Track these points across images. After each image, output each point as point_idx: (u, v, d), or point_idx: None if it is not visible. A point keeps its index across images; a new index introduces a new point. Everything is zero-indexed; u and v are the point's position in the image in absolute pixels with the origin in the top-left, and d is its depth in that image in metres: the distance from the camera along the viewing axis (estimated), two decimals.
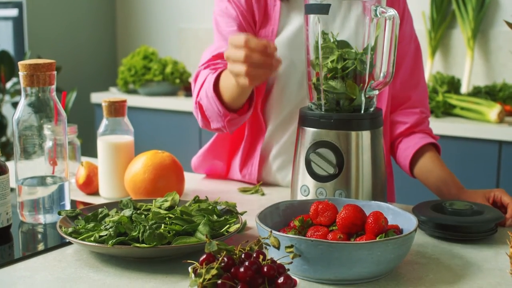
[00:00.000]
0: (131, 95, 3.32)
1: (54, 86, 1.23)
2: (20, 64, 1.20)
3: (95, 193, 1.47)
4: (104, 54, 3.96)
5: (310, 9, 1.24)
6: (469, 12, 2.83)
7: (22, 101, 1.21)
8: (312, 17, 1.24)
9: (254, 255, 0.87)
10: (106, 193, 1.43)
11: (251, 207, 1.34)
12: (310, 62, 1.26)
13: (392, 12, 1.18)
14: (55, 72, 1.23)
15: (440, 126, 2.43)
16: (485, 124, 2.41)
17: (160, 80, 3.23)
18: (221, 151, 1.60)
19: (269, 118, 1.53)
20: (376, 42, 1.24)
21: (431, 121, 2.45)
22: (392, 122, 1.52)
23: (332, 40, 1.24)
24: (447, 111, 2.60)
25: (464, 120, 2.51)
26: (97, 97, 3.39)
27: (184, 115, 3.12)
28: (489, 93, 2.63)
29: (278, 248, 0.89)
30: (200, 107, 1.41)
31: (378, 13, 1.20)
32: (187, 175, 1.62)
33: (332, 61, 1.23)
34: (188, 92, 3.27)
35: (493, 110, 2.44)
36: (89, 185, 1.46)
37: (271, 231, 0.91)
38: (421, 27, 3.00)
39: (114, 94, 3.38)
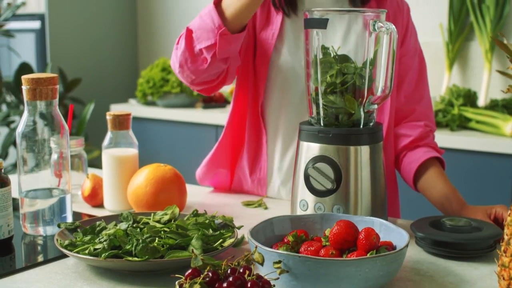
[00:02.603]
0: (149, 106, 3.35)
1: (56, 100, 1.25)
2: (23, 78, 1.22)
3: (101, 205, 1.48)
4: (125, 66, 4.00)
5: (309, 24, 1.24)
6: (487, 24, 2.80)
7: (25, 115, 1.24)
8: (311, 32, 1.25)
9: (241, 270, 0.87)
10: (111, 205, 1.44)
11: (252, 221, 1.34)
12: (310, 76, 1.26)
13: (389, 26, 1.18)
14: (57, 86, 1.25)
15: (455, 139, 2.41)
16: (500, 138, 2.38)
17: (178, 92, 3.26)
18: (224, 159, 1.60)
19: (269, 123, 1.53)
20: (376, 57, 1.24)
21: (446, 134, 2.47)
22: (396, 135, 1.52)
23: (332, 54, 1.25)
24: (462, 124, 2.57)
25: (479, 133, 2.49)
26: (116, 109, 3.43)
27: (201, 127, 3.14)
28: (506, 106, 2.60)
29: (261, 264, 0.89)
30: (188, 33, 1.39)
31: (376, 28, 1.20)
32: (192, 188, 1.63)
33: (331, 76, 1.23)
34: (206, 103, 3.29)
35: (508, 124, 2.41)
36: (94, 197, 1.48)
37: (256, 247, 0.91)
38: (439, 39, 2.98)
39: (133, 106, 3.42)
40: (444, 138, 2.42)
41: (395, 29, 1.18)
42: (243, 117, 1.55)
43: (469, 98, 2.65)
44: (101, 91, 3.80)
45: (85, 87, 3.63)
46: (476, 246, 1.13)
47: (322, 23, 1.21)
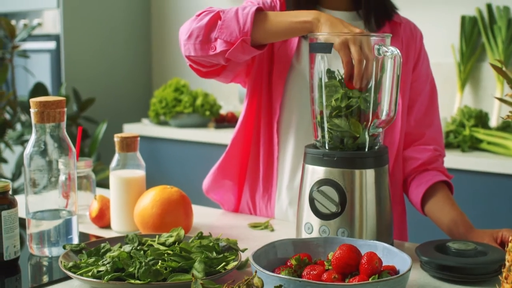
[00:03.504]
0: (162, 126, 3.37)
1: (64, 122, 1.27)
2: (31, 101, 1.24)
3: (108, 226, 1.49)
4: (138, 86, 4.03)
5: (314, 48, 1.25)
6: (499, 45, 2.80)
7: (33, 137, 1.25)
8: (317, 56, 1.26)
9: None
10: (118, 226, 1.45)
11: (257, 243, 1.33)
12: (315, 100, 1.27)
13: (394, 51, 1.19)
14: (65, 109, 1.26)
15: (466, 160, 2.40)
16: (511, 159, 2.36)
17: (191, 112, 3.28)
18: (231, 170, 1.60)
19: (280, 140, 1.53)
20: (381, 81, 1.24)
21: (457, 155, 2.45)
22: (404, 158, 1.51)
23: (338, 78, 1.25)
24: (474, 145, 2.56)
25: (490, 154, 2.47)
26: (129, 128, 3.46)
27: (214, 147, 3.15)
28: None
29: None
30: (216, 16, 1.36)
31: (381, 52, 1.21)
32: (201, 209, 1.64)
33: (336, 100, 1.24)
34: (218, 123, 3.30)
35: None
36: (102, 218, 1.49)
37: (255, 271, 0.91)
38: (451, 60, 2.98)
39: (145, 126, 3.44)
40: (455, 159, 2.40)
41: (400, 54, 1.18)
42: (251, 130, 1.56)
43: (481, 119, 2.64)
44: (115, 111, 3.83)
45: (99, 106, 3.66)
46: (481, 271, 1.12)
47: (327, 48, 1.22)
